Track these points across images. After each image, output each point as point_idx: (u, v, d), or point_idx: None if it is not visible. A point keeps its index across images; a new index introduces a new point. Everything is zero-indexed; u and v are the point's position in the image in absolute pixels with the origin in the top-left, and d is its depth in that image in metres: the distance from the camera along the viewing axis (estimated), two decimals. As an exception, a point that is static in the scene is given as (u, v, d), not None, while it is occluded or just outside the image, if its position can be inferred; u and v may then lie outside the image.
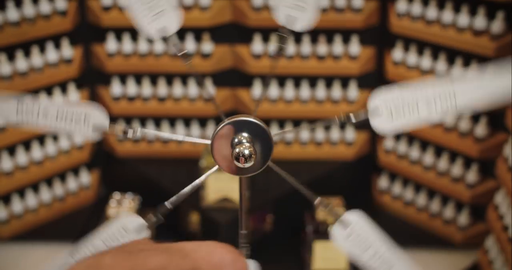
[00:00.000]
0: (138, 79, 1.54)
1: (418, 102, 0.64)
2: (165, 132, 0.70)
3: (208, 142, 0.67)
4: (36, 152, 1.47)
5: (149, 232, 0.69)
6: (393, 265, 0.67)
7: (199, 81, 0.68)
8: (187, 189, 0.70)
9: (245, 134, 0.66)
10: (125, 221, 0.69)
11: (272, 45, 1.48)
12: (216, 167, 0.68)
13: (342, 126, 1.56)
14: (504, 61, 0.63)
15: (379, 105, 0.65)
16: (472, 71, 0.63)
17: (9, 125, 0.69)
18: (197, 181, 0.70)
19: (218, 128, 0.66)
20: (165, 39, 0.66)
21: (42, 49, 1.45)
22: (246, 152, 0.64)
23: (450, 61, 1.38)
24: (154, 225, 0.70)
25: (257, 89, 1.52)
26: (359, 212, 0.67)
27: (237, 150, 0.64)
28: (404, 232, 1.52)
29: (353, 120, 0.66)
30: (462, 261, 1.42)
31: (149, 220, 0.70)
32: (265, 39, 1.49)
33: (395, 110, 0.65)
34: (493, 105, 0.63)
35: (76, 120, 0.67)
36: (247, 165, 0.65)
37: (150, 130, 0.70)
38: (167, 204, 0.70)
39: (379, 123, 0.65)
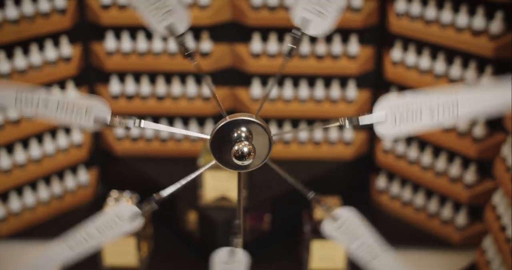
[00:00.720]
0: (137, 77, 1.54)
1: (422, 110, 0.65)
2: (165, 126, 0.71)
3: (207, 136, 0.67)
4: (35, 150, 1.47)
5: (142, 220, 0.70)
6: (378, 256, 0.70)
7: (205, 81, 0.69)
8: (184, 180, 0.71)
9: (245, 132, 0.66)
10: (119, 209, 0.70)
11: (274, 45, 1.48)
12: (214, 162, 0.68)
13: (341, 126, 1.56)
14: (505, 77, 0.64)
15: (385, 112, 0.66)
16: (474, 83, 0.66)
17: (8, 112, 0.70)
18: (194, 174, 0.71)
19: (219, 125, 0.66)
20: (174, 38, 0.66)
21: (41, 47, 1.45)
22: (245, 149, 0.64)
23: (449, 61, 1.38)
24: (148, 213, 0.71)
25: (256, 88, 1.52)
26: (351, 208, 0.70)
27: (236, 147, 0.64)
28: (402, 232, 1.52)
29: (359, 123, 0.67)
30: (459, 261, 1.42)
31: (143, 208, 0.71)
32: (264, 38, 1.49)
33: (399, 116, 0.66)
34: (491, 114, 0.64)
35: (77, 111, 0.67)
36: (246, 162, 0.65)
37: (151, 123, 0.70)
38: (162, 193, 0.71)
39: (383, 129, 0.67)
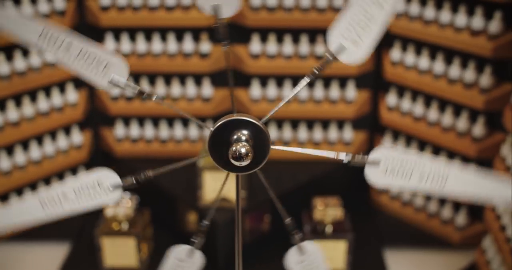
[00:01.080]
0: (137, 79, 1.54)
1: (413, 171, 0.66)
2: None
3: (206, 139, 0.68)
4: (35, 151, 1.47)
5: (121, 192, 0.69)
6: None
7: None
8: (169, 167, 0.71)
9: (242, 133, 0.66)
10: (101, 176, 0.69)
11: (273, 46, 1.48)
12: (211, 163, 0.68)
13: (340, 126, 1.56)
14: (505, 178, 0.65)
15: (380, 158, 0.67)
16: (472, 170, 0.65)
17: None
18: (187, 161, 0.71)
19: (215, 126, 0.66)
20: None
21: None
22: (243, 150, 0.64)
23: (448, 61, 1.38)
24: (129, 187, 0.70)
25: (255, 89, 1.52)
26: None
27: (233, 148, 0.64)
28: (401, 232, 1.52)
29: (349, 161, 0.67)
30: (459, 261, 1.42)
31: (126, 181, 0.70)
32: (263, 39, 1.49)
33: (391, 169, 0.67)
34: (475, 201, 0.66)
35: (96, 64, 0.66)
36: (244, 163, 0.65)
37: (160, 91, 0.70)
38: (150, 172, 0.71)
39: (372, 174, 0.67)
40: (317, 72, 0.67)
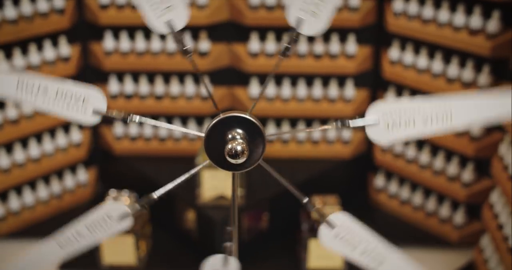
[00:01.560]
0: (136, 77, 1.54)
1: (415, 117, 0.65)
2: (162, 124, 0.72)
3: (202, 134, 0.68)
4: (34, 149, 1.48)
5: (132, 220, 0.70)
6: (385, 259, 0.68)
7: (199, 78, 0.69)
8: (176, 180, 0.71)
9: (239, 131, 0.66)
10: (109, 209, 0.70)
11: (272, 45, 1.48)
12: (207, 161, 0.68)
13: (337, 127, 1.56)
14: (503, 89, 0.63)
15: (377, 116, 0.66)
16: (471, 93, 0.64)
17: (8, 100, 0.69)
18: (186, 174, 0.71)
19: (212, 123, 0.66)
20: (171, 34, 0.67)
21: (40, 47, 1.45)
22: (239, 148, 0.64)
23: (446, 60, 1.39)
24: (137, 214, 0.72)
25: (254, 87, 1.53)
26: (345, 213, 0.68)
27: (229, 146, 0.65)
28: (400, 231, 1.52)
29: (350, 125, 0.67)
30: (457, 259, 1.42)
31: (133, 208, 0.71)
32: (262, 37, 1.49)
33: (392, 122, 0.66)
34: (488, 123, 0.64)
35: (75, 101, 0.67)
36: (239, 161, 0.65)
37: (148, 120, 0.71)
38: (154, 194, 0.71)
39: (374, 133, 0.67)
40: (286, 50, 0.67)
